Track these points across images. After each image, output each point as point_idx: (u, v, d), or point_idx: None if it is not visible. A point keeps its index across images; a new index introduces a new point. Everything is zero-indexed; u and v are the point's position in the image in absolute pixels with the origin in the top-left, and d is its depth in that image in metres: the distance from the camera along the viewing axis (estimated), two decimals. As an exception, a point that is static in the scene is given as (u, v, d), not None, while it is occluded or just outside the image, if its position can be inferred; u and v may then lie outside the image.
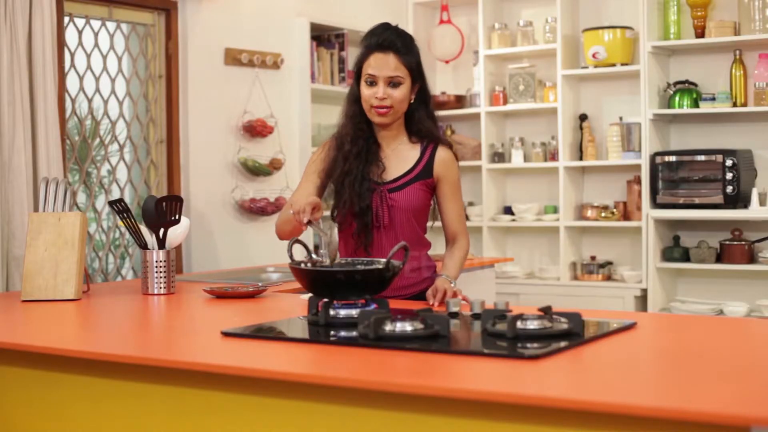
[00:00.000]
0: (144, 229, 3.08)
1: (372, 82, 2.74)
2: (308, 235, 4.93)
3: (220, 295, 2.93)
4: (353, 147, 2.79)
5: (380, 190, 2.77)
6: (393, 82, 2.73)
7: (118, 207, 3.05)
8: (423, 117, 2.82)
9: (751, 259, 5.08)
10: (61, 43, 3.99)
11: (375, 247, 2.76)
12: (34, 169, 3.75)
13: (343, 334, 2.08)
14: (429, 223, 2.91)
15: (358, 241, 2.77)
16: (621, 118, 5.51)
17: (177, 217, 3.07)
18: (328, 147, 2.89)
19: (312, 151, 5.11)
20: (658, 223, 5.25)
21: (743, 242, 5.08)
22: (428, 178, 2.80)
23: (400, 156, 2.82)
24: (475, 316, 2.25)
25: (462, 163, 5.86)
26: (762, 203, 5.01)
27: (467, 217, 5.87)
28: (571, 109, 5.62)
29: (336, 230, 2.42)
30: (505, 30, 5.79)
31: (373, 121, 2.80)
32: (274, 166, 4.93)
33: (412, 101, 2.80)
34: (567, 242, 5.55)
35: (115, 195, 4.39)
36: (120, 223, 3.98)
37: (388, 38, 2.74)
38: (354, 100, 2.82)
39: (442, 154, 2.81)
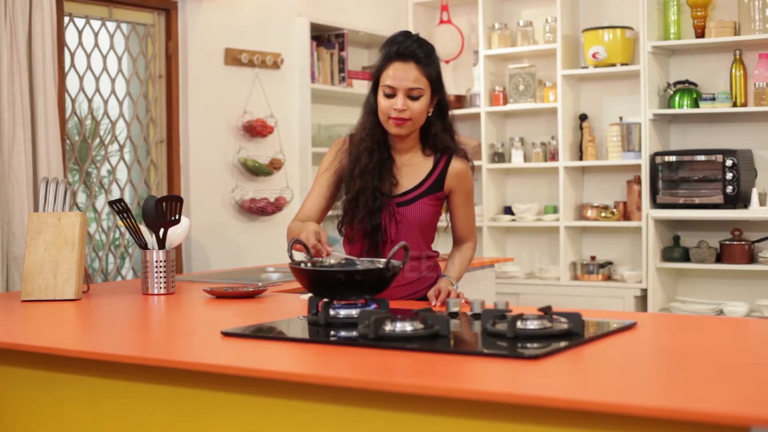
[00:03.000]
0: (144, 229, 3.08)
1: (391, 94, 2.64)
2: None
3: (220, 295, 2.92)
4: (370, 162, 2.71)
5: (389, 204, 2.70)
6: (412, 95, 2.64)
7: (118, 207, 3.05)
8: (440, 131, 2.73)
9: (751, 259, 5.08)
10: (61, 43, 3.99)
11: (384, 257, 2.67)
12: (34, 169, 3.75)
13: (343, 334, 2.08)
14: (442, 223, 2.87)
15: (370, 252, 2.71)
16: (621, 118, 5.51)
17: (177, 217, 3.07)
18: (340, 149, 2.81)
19: (312, 152, 5.15)
20: (658, 223, 5.26)
21: (743, 242, 5.07)
22: (439, 191, 2.74)
23: (412, 168, 2.75)
24: (475, 316, 2.24)
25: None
26: (762, 203, 5.01)
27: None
28: (571, 109, 5.62)
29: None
30: (505, 30, 5.79)
31: (389, 132, 2.71)
32: (274, 166, 4.93)
33: (430, 114, 2.71)
34: (567, 242, 5.55)
35: (115, 195, 4.39)
36: (120, 223, 3.98)
37: (410, 47, 2.64)
38: (371, 111, 2.72)
39: (456, 165, 2.74)
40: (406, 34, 2.71)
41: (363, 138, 2.74)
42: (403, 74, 2.63)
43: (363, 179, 2.70)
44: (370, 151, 2.72)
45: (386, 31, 5.79)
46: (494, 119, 5.87)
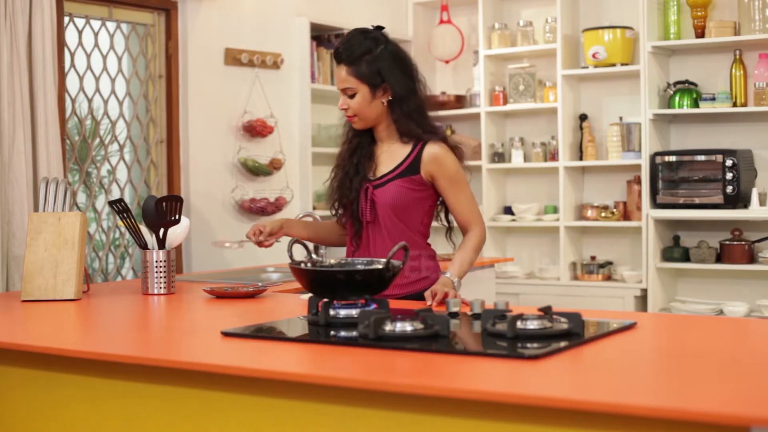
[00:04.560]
0: (144, 229, 3.08)
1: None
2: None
3: (220, 295, 2.93)
4: (349, 145, 2.92)
5: (367, 186, 2.84)
6: (348, 94, 2.81)
7: (118, 207, 3.05)
8: (400, 117, 2.84)
9: (751, 259, 5.08)
10: (61, 43, 3.99)
11: (363, 241, 2.86)
12: (34, 169, 3.75)
13: (343, 334, 2.08)
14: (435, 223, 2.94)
15: (350, 233, 2.89)
16: (621, 118, 5.51)
17: (177, 217, 3.07)
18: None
19: (312, 152, 5.16)
20: (658, 223, 5.25)
21: (743, 242, 5.07)
22: (414, 175, 2.81)
23: (392, 155, 2.86)
24: (475, 316, 2.24)
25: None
26: (762, 203, 5.01)
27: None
28: (571, 109, 5.62)
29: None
30: (505, 30, 5.79)
31: None
32: (274, 166, 4.93)
33: (385, 104, 2.82)
34: (567, 242, 5.55)
35: (115, 195, 4.39)
36: (120, 223, 3.98)
37: (337, 50, 2.82)
38: None
39: (429, 149, 2.82)
40: (344, 36, 2.88)
41: (346, 132, 2.96)
42: (337, 75, 2.84)
43: (342, 159, 2.93)
44: (350, 138, 2.93)
45: (386, 31, 5.81)
46: (494, 119, 5.87)
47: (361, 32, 2.83)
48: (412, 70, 2.86)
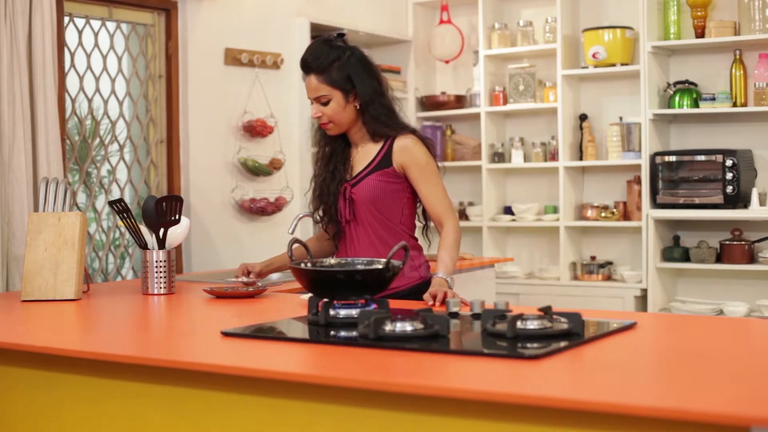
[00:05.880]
0: (144, 229, 3.08)
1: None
2: (308, 235, 4.93)
3: (220, 295, 2.93)
4: (324, 151, 3.02)
5: (345, 187, 2.92)
6: (321, 101, 2.87)
7: (118, 207, 3.05)
8: (368, 119, 2.91)
9: (751, 259, 5.08)
10: (61, 43, 3.99)
11: (347, 240, 2.93)
12: (34, 169, 3.75)
13: (343, 334, 2.09)
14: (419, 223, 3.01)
15: (332, 234, 2.98)
16: (621, 118, 5.51)
17: (177, 217, 3.07)
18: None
19: (312, 152, 5.14)
20: (658, 223, 5.25)
21: (743, 242, 5.07)
22: (387, 168, 2.88)
23: (365, 154, 2.95)
24: (475, 316, 2.25)
25: (462, 163, 5.87)
26: (762, 203, 5.01)
27: (467, 217, 5.88)
28: (571, 109, 5.62)
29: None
30: (505, 30, 5.79)
31: None
32: (274, 166, 4.93)
33: (357, 107, 2.90)
34: (567, 242, 5.55)
35: (115, 195, 4.39)
36: (120, 223, 3.98)
37: (305, 61, 2.88)
38: None
39: (399, 142, 2.90)
40: (308, 47, 2.94)
41: (318, 140, 3.04)
42: (307, 85, 2.90)
43: (318, 166, 3.02)
44: (324, 144, 3.02)
45: (386, 31, 5.82)
46: (494, 119, 5.87)
47: (325, 42, 2.89)
48: (377, 73, 2.95)
